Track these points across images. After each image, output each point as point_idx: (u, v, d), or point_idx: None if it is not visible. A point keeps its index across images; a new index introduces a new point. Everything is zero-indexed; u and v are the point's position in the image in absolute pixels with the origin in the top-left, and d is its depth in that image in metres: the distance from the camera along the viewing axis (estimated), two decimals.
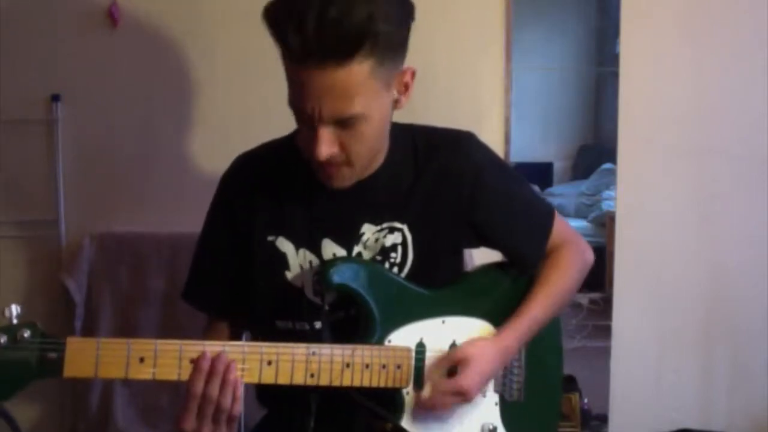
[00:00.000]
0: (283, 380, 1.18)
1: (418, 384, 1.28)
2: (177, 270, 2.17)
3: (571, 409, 2.36)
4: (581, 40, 3.24)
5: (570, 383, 2.34)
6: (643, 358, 2.41)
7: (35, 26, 2.23)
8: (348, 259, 1.31)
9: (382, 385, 1.25)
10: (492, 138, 2.21)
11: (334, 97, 1.14)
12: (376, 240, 1.32)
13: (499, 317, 1.37)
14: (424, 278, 1.33)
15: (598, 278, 2.51)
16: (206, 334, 1.41)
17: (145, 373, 1.11)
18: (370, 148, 1.25)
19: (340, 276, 1.25)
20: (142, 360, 1.10)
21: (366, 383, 1.23)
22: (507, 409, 1.38)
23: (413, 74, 1.26)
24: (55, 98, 2.24)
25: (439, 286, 1.35)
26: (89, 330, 2.22)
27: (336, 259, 1.31)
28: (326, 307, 1.28)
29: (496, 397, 1.38)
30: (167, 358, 1.12)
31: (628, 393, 2.41)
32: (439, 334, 1.32)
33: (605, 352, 2.41)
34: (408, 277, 1.33)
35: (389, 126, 1.29)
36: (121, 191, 2.31)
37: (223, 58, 2.26)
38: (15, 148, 2.26)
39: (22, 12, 2.22)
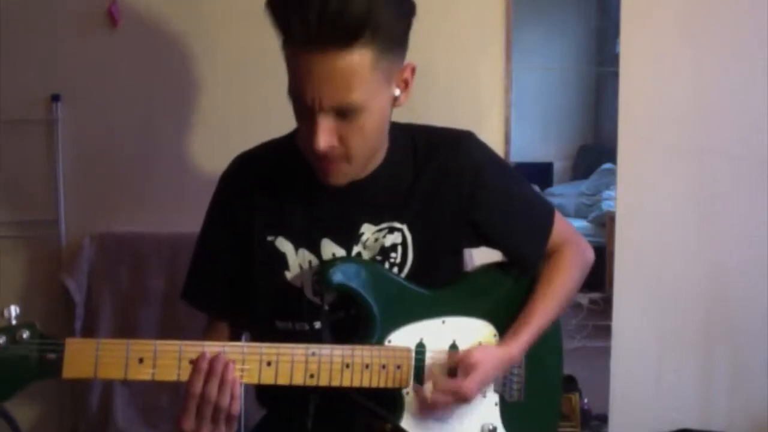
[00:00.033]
0: (283, 381, 1.18)
1: (418, 384, 1.27)
2: (177, 270, 2.17)
3: (571, 409, 2.36)
4: (581, 40, 3.24)
5: (570, 383, 2.34)
6: (643, 358, 2.41)
7: (35, 26, 2.23)
8: (347, 259, 1.31)
9: (381, 385, 1.24)
10: (492, 138, 2.21)
11: (334, 85, 1.14)
12: (376, 240, 1.32)
13: (499, 317, 1.37)
14: (424, 278, 1.33)
15: (598, 278, 2.51)
16: (206, 334, 1.41)
17: (144, 373, 1.11)
18: (369, 144, 1.25)
19: (339, 276, 1.25)
20: (141, 361, 1.10)
21: (366, 383, 1.23)
22: (507, 410, 1.38)
23: (413, 71, 1.26)
24: (55, 98, 2.24)
25: (439, 286, 1.35)
26: (89, 330, 2.22)
27: (335, 259, 1.30)
28: (326, 307, 1.28)
29: (496, 398, 1.38)
30: (166, 359, 1.12)
31: (628, 393, 2.41)
32: (439, 334, 1.32)
33: (605, 352, 2.41)
34: (408, 277, 1.33)
35: (388, 124, 1.29)
36: (121, 191, 2.31)
37: (223, 58, 2.26)
38: (15, 148, 2.26)
39: (22, 12, 2.22)
